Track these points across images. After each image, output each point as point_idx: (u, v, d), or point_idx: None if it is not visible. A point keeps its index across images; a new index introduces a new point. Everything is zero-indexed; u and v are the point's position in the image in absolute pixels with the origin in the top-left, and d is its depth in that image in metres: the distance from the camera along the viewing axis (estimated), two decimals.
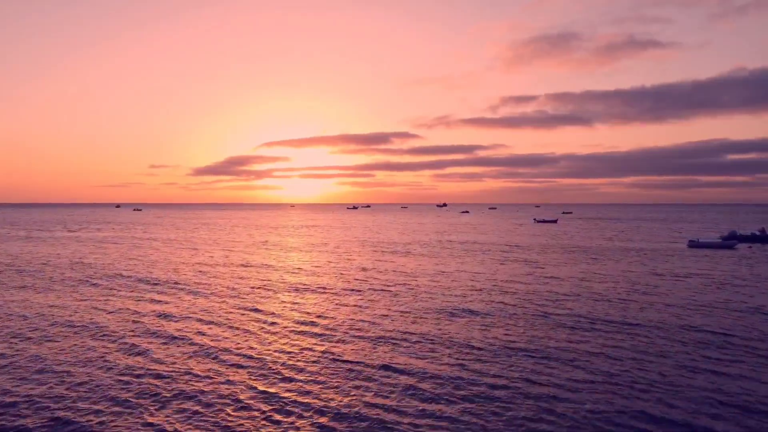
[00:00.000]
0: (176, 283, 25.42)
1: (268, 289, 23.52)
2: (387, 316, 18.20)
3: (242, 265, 32.21)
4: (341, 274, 28.65)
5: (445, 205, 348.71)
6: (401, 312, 18.70)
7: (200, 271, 29.57)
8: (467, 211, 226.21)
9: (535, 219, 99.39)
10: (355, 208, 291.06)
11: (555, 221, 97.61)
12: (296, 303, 20.50)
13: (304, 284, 25.05)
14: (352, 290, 23.39)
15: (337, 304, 20.21)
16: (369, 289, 23.74)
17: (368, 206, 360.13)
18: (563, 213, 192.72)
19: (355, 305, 19.98)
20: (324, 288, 23.98)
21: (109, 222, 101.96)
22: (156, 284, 25.02)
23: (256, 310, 19.08)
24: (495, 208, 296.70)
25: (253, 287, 24.13)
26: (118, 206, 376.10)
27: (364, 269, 30.49)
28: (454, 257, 36.98)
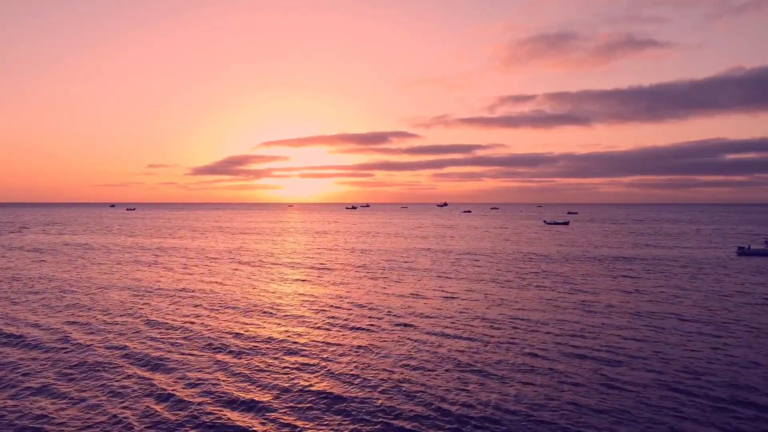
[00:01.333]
0: (51, 330, 18.00)
1: (184, 340, 16.10)
2: (364, 402, 10.78)
3: (174, 291, 24.81)
4: (302, 313, 21.25)
5: (445, 204, 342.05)
6: (389, 380, 11.32)
7: (105, 306, 22.17)
8: (469, 211, 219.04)
9: (545, 221, 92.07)
10: (354, 207, 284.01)
11: (566, 223, 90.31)
12: (221, 373, 13.10)
13: (245, 334, 17.65)
14: (311, 342, 15.99)
15: (278, 374, 12.81)
16: (340, 335, 16.34)
17: (367, 206, 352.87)
18: (569, 213, 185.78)
19: (313, 369, 12.59)
20: (270, 342, 16.58)
21: (85, 223, 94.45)
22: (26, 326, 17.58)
23: (151, 383, 11.67)
24: (497, 209, 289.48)
25: (163, 332, 16.72)
26: (112, 206, 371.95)
27: (339, 297, 23.10)
28: (462, 274, 29.56)
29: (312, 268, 31.53)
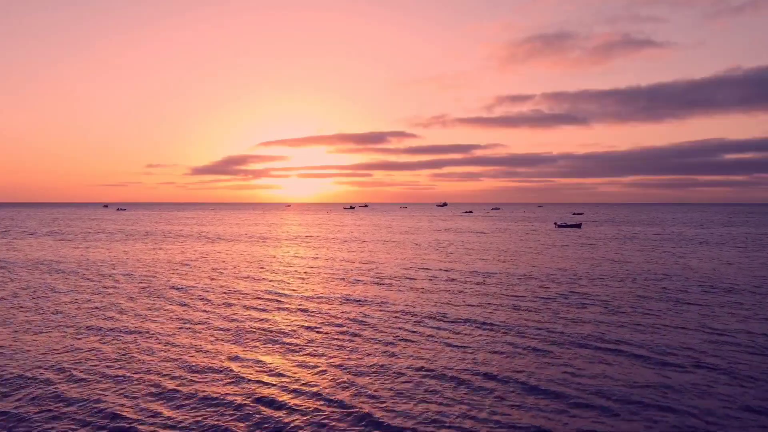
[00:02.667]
0: None
1: None
2: None
3: (34, 351, 16.56)
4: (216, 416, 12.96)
5: (445, 204, 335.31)
6: None
7: None
8: (470, 211, 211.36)
9: (556, 223, 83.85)
10: (352, 208, 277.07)
11: (579, 226, 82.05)
12: None
13: None
14: None
15: None
16: None
17: (366, 206, 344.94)
18: (574, 214, 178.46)
19: None
20: None
21: (49, 225, 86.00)
22: None
23: None
24: (498, 209, 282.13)
25: None
26: (105, 206, 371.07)
27: (280, 370, 14.86)
28: (471, 312, 21.28)
29: (264, 298, 23.20)
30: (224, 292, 23.89)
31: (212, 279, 27.99)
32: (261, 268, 32.89)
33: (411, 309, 20.21)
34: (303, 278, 28.42)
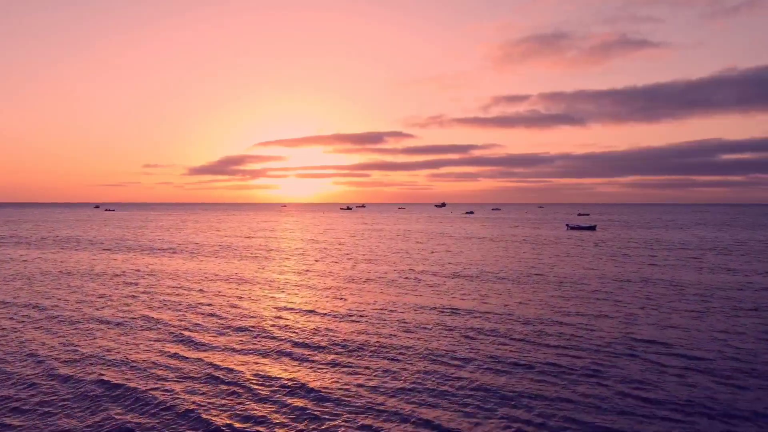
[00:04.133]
0: None
1: None
2: None
3: None
4: None
5: (443, 204, 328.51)
6: None
7: None
8: (471, 212, 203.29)
9: (568, 225, 75.63)
10: (349, 208, 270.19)
11: (593, 228, 73.81)
12: None
13: None
14: None
15: None
16: None
17: (363, 206, 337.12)
18: (579, 215, 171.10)
19: None
20: None
21: (14, 229, 77.30)
22: None
23: None
24: (499, 209, 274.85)
25: None
26: (97, 206, 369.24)
27: None
28: (484, 391, 12.77)
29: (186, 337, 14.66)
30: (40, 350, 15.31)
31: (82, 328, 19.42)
32: (211, 293, 24.38)
33: (383, 384, 11.70)
34: (223, 323, 19.93)
